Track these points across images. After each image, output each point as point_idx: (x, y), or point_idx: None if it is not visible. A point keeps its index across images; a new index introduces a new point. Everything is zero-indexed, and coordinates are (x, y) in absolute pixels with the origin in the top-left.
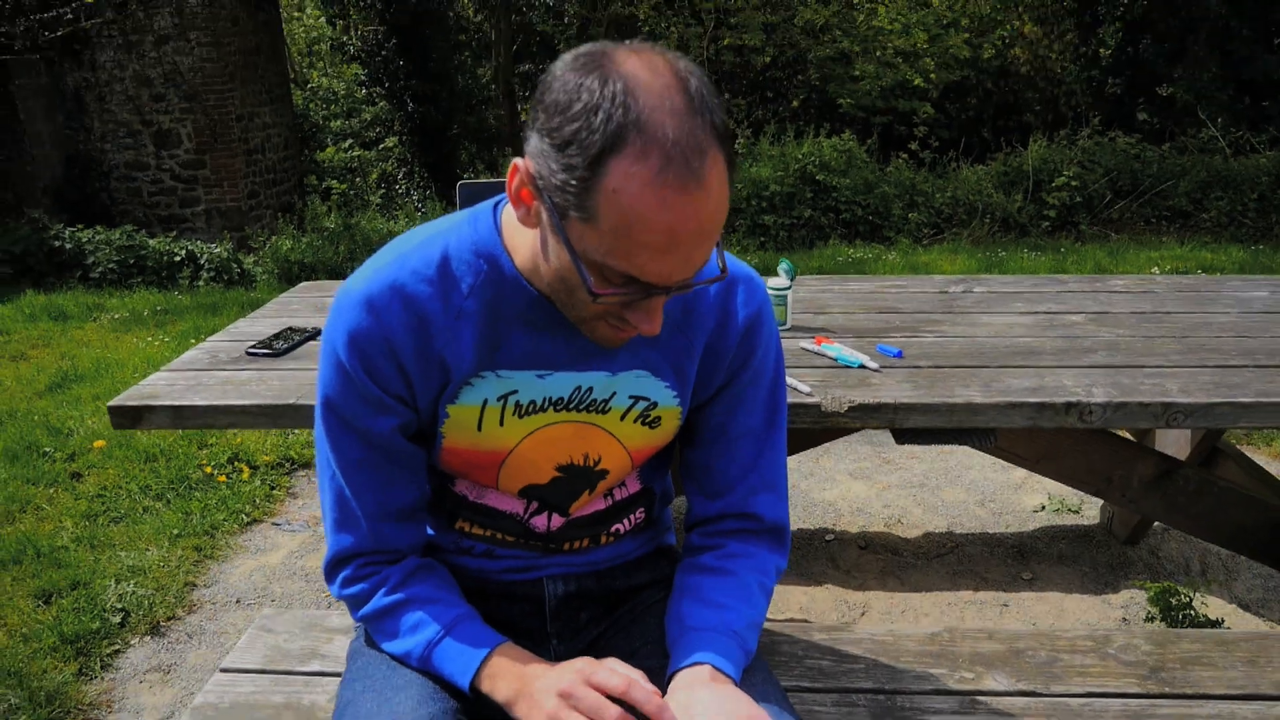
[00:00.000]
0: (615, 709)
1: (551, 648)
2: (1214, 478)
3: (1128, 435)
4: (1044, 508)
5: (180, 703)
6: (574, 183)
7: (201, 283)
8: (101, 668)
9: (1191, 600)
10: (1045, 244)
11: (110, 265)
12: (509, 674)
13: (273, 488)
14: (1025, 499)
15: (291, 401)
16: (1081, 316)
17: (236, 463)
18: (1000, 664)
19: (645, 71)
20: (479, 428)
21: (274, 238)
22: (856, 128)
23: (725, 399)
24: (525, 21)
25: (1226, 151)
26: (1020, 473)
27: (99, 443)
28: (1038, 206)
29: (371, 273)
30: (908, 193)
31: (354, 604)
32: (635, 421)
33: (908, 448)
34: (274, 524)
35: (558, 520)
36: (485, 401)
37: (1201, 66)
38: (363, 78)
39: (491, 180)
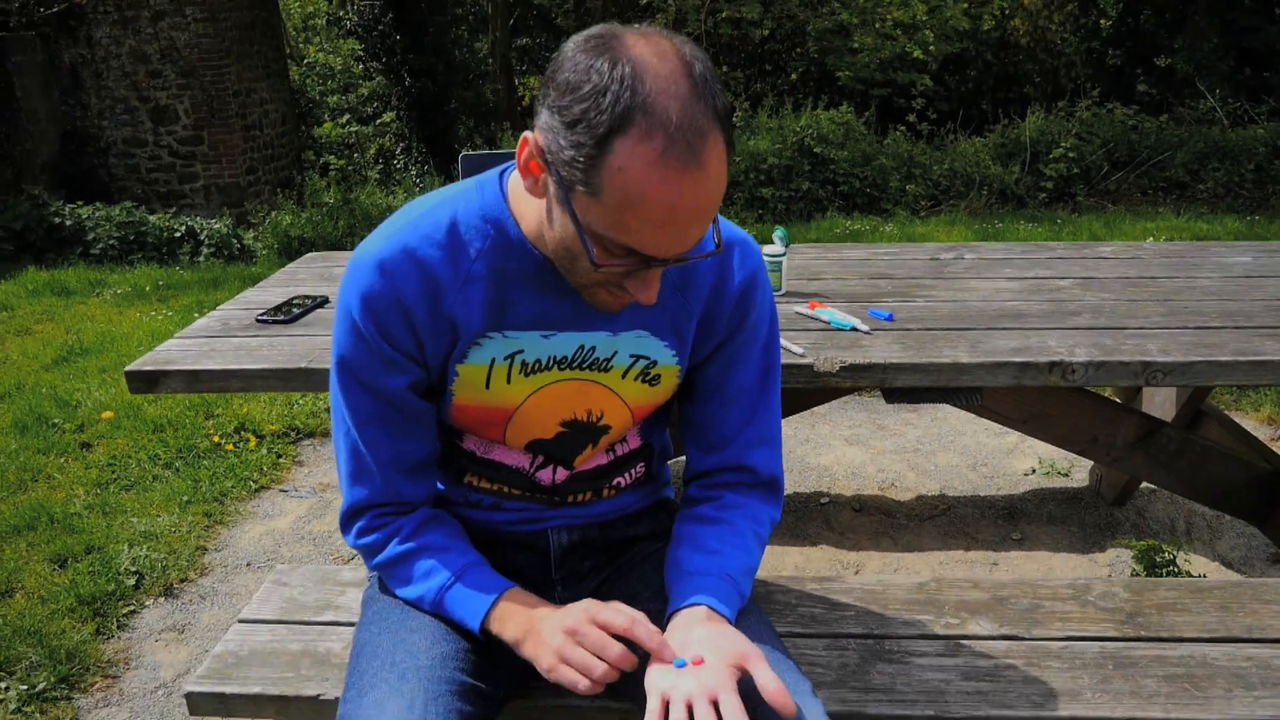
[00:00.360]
0: (618, 645)
1: (556, 594)
2: (1196, 437)
3: (1116, 399)
4: (1034, 471)
5: (195, 660)
6: (581, 159)
7: (202, 258)
8: (118, 627)
9: (1175, 558)
10: (1042, 215)
11: (111, 241)
12: (517, 616)
13: (279, 456)
14: (1016, 463)
15: (302, 365)
16: (1069, 281)
17: (243, 432)
18: (984, 611)
19: (653, 56)
20: (487, 385)
21: (274, 213)
22: (855, 100)
23: (721, 357)
24: None
25: (1224, 123)
26: (1012, 437)
27: (107, 414)
28: (1035, 178)
29: (384, 238)
30: (905, 165)
31: (369, 553)
32: (636, 379)
33: (902, 414)
34: (281, 490)
35: (562, 474)
36: (493, 360)
37: (1202, 37)
38: (359, 52)
39: (494, 152)
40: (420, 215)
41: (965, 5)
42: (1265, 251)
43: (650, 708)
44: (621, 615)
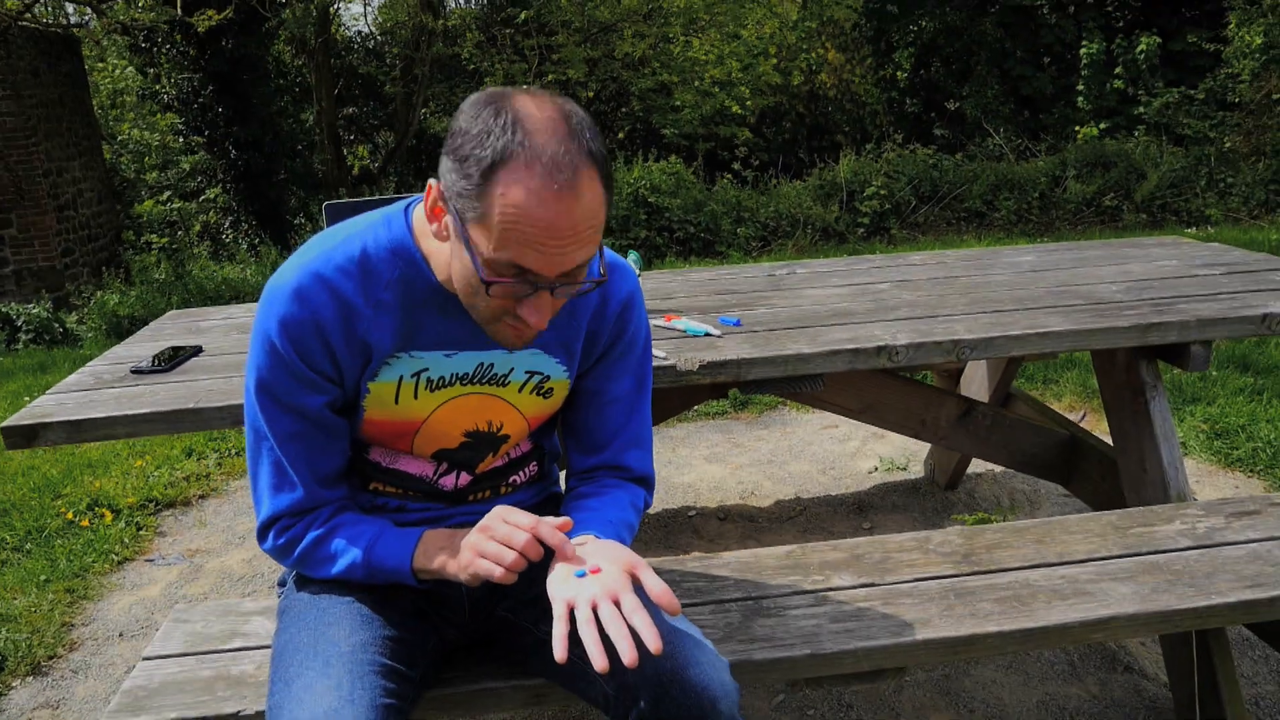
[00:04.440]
0: (525, 534)
1: (463, 587)
2: (1006, 413)
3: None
4: (876, 469)
5: None
6: (471, 189)
7: (20, 345)
8: None
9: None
10: (862, 248)
11: None
12: (442, 545)
13: (139, 528)
14: (860, 464)
15: (190, 406)
16: (887, 284)
17: (97, 508)
18: (844, 567)
19: (534, 106)
20: (395, 401)
21: (99, 293)
22: (681, 155)
23: (601, 368)
24: (346, 65)
25: (1010, 158)
26: (855, 442)
27: None
28: (852, 215)
29: (299, 267)
30: (735, 209)
31: (289, 548)
32: (531, 393)
33: (755, 431)
34: (148, 560)
35: (465, 478)
36: (401, 378)
37: (985, 85)
38: (180, 126)
39: (357, 200)
40: (333, 247)
41: (775, 61)
42: (1045, 251)
43: (557, 613)
44: (527, 516)
